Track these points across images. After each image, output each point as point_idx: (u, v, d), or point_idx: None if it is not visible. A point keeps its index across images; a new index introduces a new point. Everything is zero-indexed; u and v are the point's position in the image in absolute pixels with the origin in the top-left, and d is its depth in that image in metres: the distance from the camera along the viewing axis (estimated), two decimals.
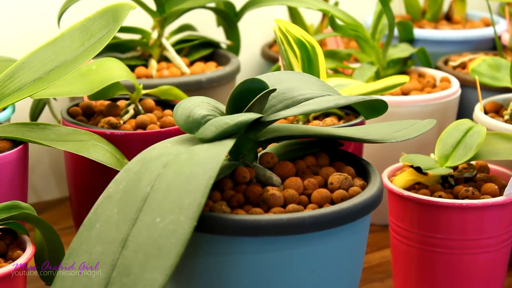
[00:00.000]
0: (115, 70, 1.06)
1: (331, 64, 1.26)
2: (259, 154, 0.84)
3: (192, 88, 1.17)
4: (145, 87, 1.11)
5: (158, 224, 0.70)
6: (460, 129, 0.97)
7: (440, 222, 0.92)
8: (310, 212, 0.75)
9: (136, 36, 1.29)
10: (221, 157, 0.73)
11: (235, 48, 1.36)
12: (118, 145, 0.99)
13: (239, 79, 1.15)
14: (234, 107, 0.80)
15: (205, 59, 1.33)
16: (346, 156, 0.88)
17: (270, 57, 1.43)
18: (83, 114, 1.09)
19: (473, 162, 1.00)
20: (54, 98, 1.23)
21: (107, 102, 1.11)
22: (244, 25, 1.40)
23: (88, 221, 0.73)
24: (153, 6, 1.27)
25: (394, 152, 1.09)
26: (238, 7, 1.36)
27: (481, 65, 1.20)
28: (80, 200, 1.07)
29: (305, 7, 1.25)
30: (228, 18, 1.34)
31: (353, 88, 1.12)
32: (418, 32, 1.43)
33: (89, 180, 1.04)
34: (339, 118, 1.07)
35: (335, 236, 0.76)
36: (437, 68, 1.34)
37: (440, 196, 0.93)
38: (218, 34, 1.39)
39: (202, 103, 0.80)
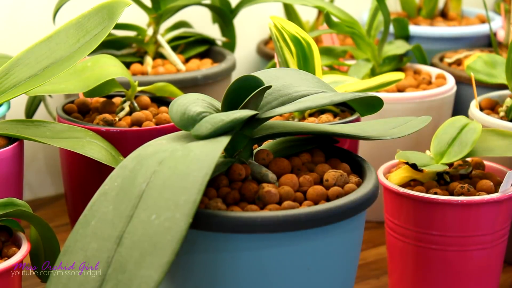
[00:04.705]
0: (110, 67, 1.06)
1: (327, 61, 1.26)
2: (254, 151, 0.84)
3: (188, 85, 1.17)
4: (140, 84, 1.11)
5: (153, 221, 0.70)
6: (456, 126, 0.98)
7: (435, 219, 0.92)
8: (306, 209, 0.75)
9: (131, 33, 1.29)
10: (217, 154, 0.73)
11: (230, 45, 1.36)
12: (113, 142, 0.99)
13: (235, 76, 1.16)
14: (229, 104, 0.80)
15: (201, 56, 1.33)
16: (342, 153, 0.88)
17: (266, 54, 1.43)
18: (78, 111, 1.09)
19: (468, 159, 1.00)
20: (50, 95, 1.22)
21: (102, 99, 1.11)
22: (239, 22, 1.40)
23: (83, 218, 0.73)
24: (148, 3, 1.26)
25: (389, 149, 1.09)
26: (233, 4, 1.35)
27: (476, 62, 1.20)
28: (75, 197, 1.07)
29: (301, 4, 1.25)
30: (224, 15, 1.34)
31: (348, 85, 1.12)
32: (413, 29, 1.43)
33: (84, 177, 1.04)
34: (335, 115, 1.07)
35: (331, 233, 0.76)
36: (432, 65, 1.34)
37: (435, 193, 0.93)
38: (213, 31, 1.39)
39: (198, 100, 0.80)
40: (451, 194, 0.94)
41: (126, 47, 1.28)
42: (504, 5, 1.43)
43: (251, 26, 1.50)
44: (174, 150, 0.75)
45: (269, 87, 0.79)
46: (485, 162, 1.01)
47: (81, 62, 1.04)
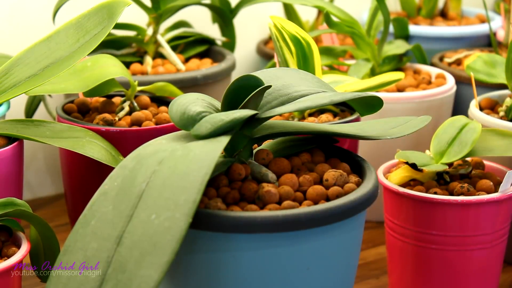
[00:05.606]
0: (110, 67, 1.06)
1: (327, 61, 1.26)
2: (254, 151, 0.84)
3: (188, 85, 1.17)
4: (140, 84, 1.11)
5: (153, 220, 0.70)
6: (455, 126, 0.98)
7: (435, 218, 0.92)
8: (306, 208, 0.75)
9: (131, 33, 1.29)
10: (216, 154, 0.73)
11: (230, 44, 1.36)
12: (113, 142, 0.99)
13: (235, 75, 1.16)
14: (229, 103, 0.80)
15: (201, 55, 1.33)
16: (341, 152, 0.88)
17: (266, 54, 1.43)
18: (78, 111, 1.09)
19: (468, 159, 1.00)
20: (49, 95, 1.22)
21: (102, 99, 1.11)
22: (239, 21, 1.40)
23: (83, 218, 0.73)
24: (148, 3, 1.26)
25: (389, 149, 1.09)
26: (233, 3, 1.35)
27: (476, 61, 1.20)
28: (75, 197, 1.07)
29: (301, 3, 1.25)
30: (224, 15, 1.34)
31: (348, 84, 1.12)
32: (413, 29, 1.43)
33: (84, 177, 1.04)
34: (335, 114, 1.07)
35: (331, 232, 0.76)
36: (432, 64, 1.34)
37: (435, 193, 0.93)
38: (213, 31, 1.39)
39: (197, 100, 0.80)
40: (451, 194, 0.94)
41: (126, 47, 1.28)
42: (504, 5, 1.43)
43: (251, 26, 1.50)
44: (174, 149, 0.75)
45: (269, 86, 0.79)
46: (485, 162, 1.01)
47: (81, 62, 1.04)
